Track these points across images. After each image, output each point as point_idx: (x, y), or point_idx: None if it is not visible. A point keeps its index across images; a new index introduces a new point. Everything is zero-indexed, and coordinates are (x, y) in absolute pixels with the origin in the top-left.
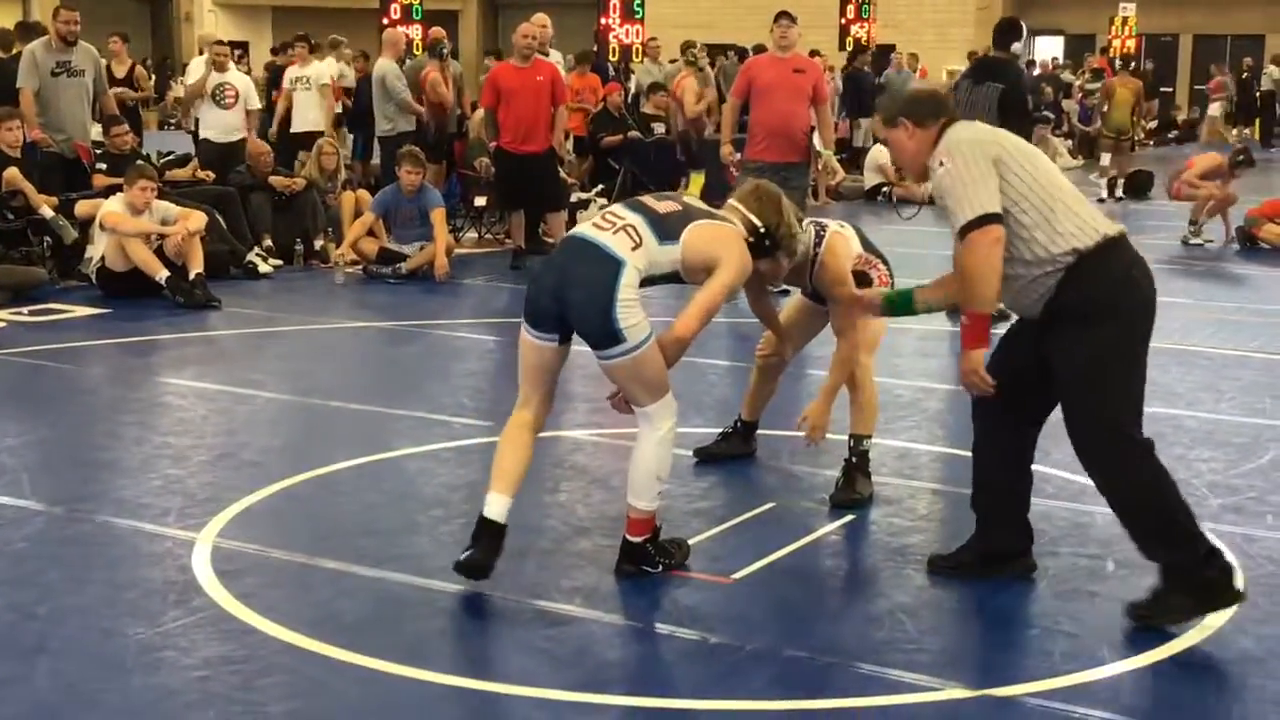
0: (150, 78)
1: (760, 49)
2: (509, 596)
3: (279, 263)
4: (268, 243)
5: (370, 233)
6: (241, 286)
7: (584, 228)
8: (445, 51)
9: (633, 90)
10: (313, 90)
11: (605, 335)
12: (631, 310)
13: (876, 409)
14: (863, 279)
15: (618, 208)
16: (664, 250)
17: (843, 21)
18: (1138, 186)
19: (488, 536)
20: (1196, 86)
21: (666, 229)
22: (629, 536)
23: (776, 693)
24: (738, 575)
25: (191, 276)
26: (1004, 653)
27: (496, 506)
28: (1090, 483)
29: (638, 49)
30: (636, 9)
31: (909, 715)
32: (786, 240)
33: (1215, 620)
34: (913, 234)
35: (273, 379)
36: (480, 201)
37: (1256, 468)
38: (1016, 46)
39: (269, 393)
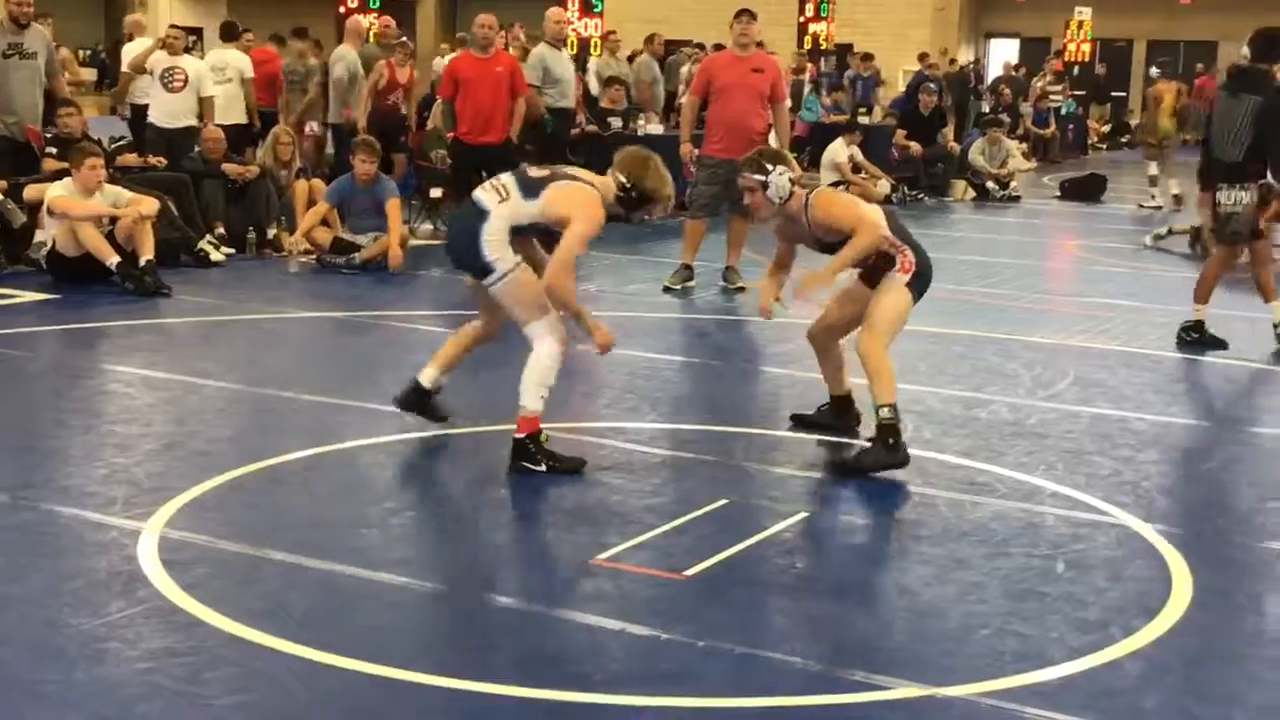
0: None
1: (719, 48)
2: (459, 590)
3: (231, 251)
4: (220, 230)
5: (324, 222)
6: (193, 274)
7: (475, 191)
8: (401, 42)
9: (591, 84)
10: (233, 83)
11: (479, 267)
12: (495, 246)
13: (889, 377)
14: (886, 259)
15: (503, 175)
16: (526, 205)
17: (801, 19)
18: (1090, 190)
19: (414, 393)
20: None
21: (531, 188)
22: (515, 435)
23: (728, 690)
24: (691, 572)
25: (142, 263)
26: (955, 652)
27: (426, 374)
28: (1042, 483)
29: (596, 42)
30: (595, 2)
31: (860, 714)
32: (651, 192)
33: (1165, 622)
34: None
35: (223, 368)
36: (436, 193)
37: (1205, 471)
38: None
39: (219, 382)
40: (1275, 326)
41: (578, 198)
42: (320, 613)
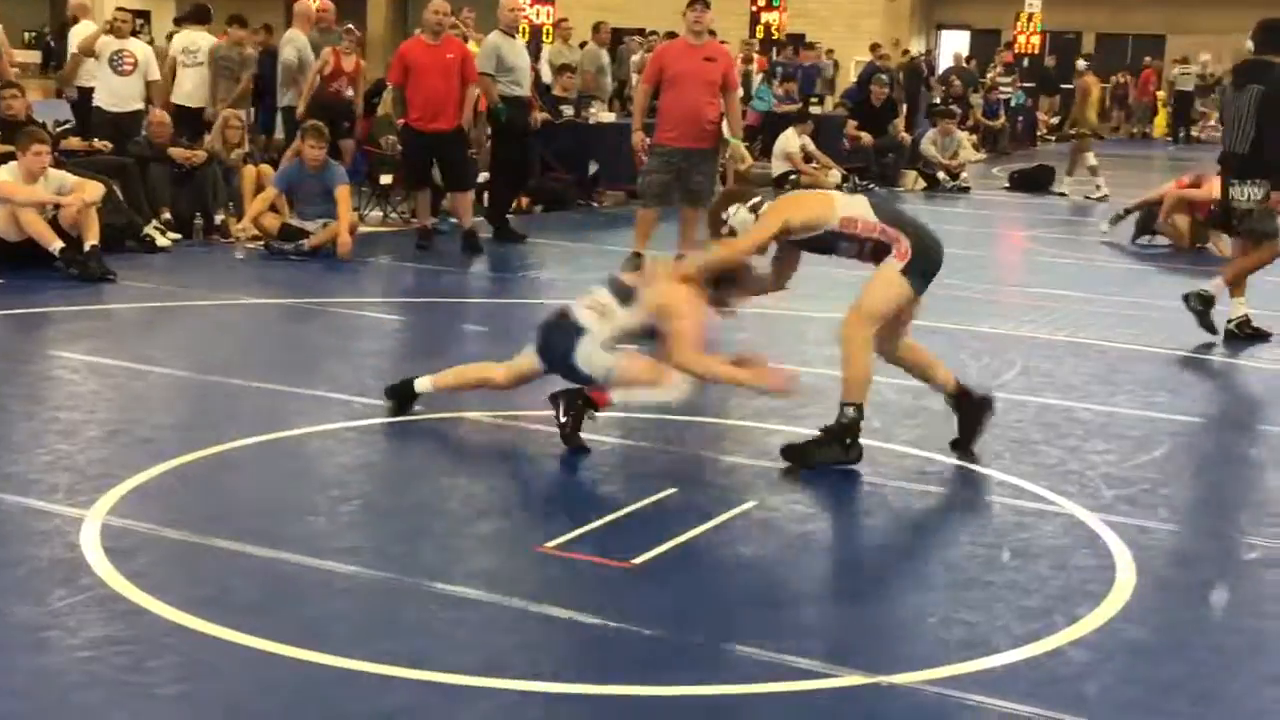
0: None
1: (671, 35)
2: (406, 579)
3: (177, 236)
4: (166, 216)
5: (272, 208)
6: (138, 260)
7: (574, 302)
8: (346, 29)
9: (543, 72)
10: (204, 65)
11: (577, 380)
12: (591, 360)
13: (861, 373)
14: (881, 249)
15: (596, 289)
16: (626, 314)
17: (753, 9)
18: (1039, 181)
19: (404, 390)
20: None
21: (627, 294)
22: (588, 392)
23: (674, 678)
24: (638, 560)
25: (86, 248)
26: (900, 641)
27: (424, 382)
28: (989, 472)
29: (548, 30)
30: None
31: (805, 702)
32: (739, 273)
33: (1108, 610)
34: None
35: (168, 354)
36: (386, 179)
37: (1151, 460)
38: None
39: (164, 368)
40: (1229, 322)
41: (671, 298)
42: (265, 601)
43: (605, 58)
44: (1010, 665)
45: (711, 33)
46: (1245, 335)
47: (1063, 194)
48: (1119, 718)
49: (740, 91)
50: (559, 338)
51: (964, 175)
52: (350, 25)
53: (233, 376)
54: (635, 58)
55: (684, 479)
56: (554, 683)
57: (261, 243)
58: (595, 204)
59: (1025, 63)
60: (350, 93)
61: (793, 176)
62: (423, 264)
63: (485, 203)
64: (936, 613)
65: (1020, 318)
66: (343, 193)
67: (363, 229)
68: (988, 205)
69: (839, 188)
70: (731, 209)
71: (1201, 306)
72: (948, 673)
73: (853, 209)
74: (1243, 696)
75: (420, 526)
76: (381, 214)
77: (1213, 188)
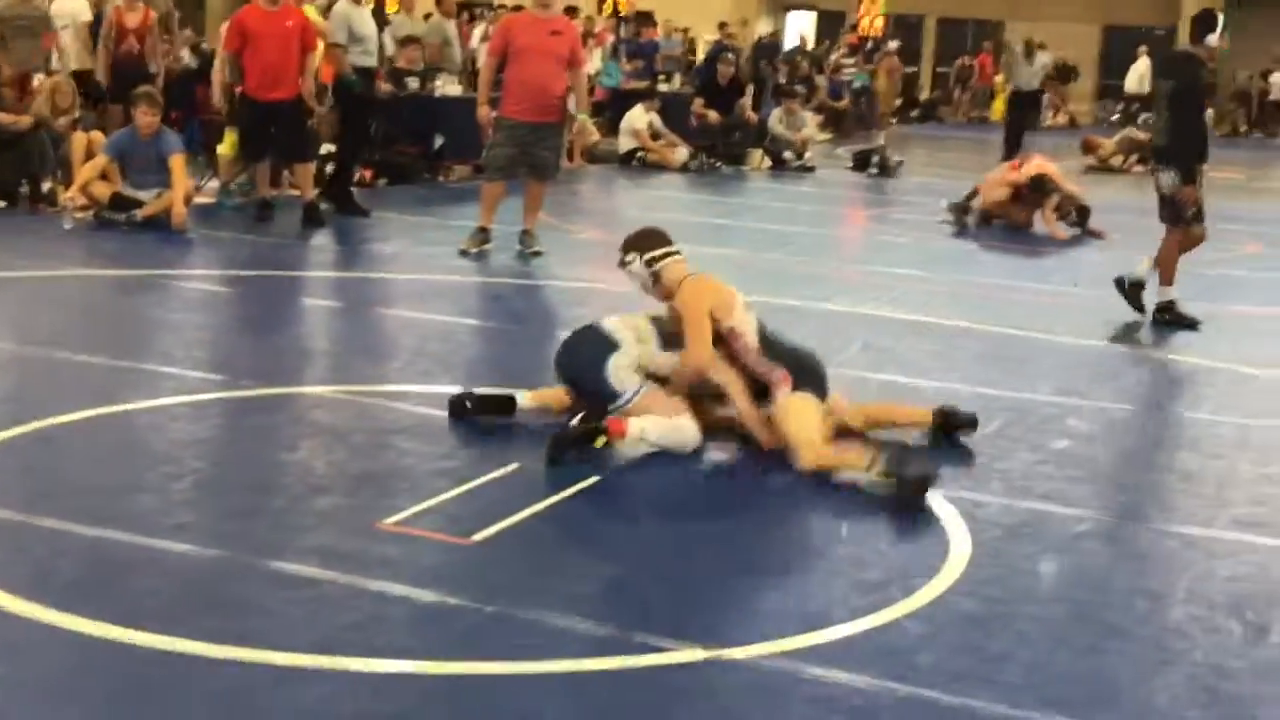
0: None
1: (519, 9)
2: (240, 557)
3: (2, 204)
4: None
5: (104, 177)
6: None
7: (603, 319)
8: None
9: (387, 43)
10: (70, 29)
11: (602, 395)
12: (622, 375)
13: (846, 458)
14: (758, 384)
15: (642, 318)
16: (661, 357)
17: None
18: (884, 161)
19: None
20: (939, 69)
21: (672, 343)
22: (610, 424)
23: (516, 655)
24: (478, 537)
25: None
26: (737, 615)
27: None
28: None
29: (393, 2)
30: None
31: (643, 678)
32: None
33: (943, 583)
34: (667, 200)
35: None
36: (222, 149)
37: (984, 436)
38: (1211, 39)
39: None
40: (1158, 308)
41: (690, 313)
42: (89, 581)
43: (452, 29)
44: (847, 638)
45: (573, 9)
46: (1168, 321)
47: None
48: (952, 687)
49: (588, 66)
50: (589, 348)
51: (809, 155)
52: None
53: (58, 350)
54: (480, 29)
55: (527, 455)
56: (387, 659)
57: (92, 212)
58: (441, 178)
59: (869, 45)
60: (139, 48)
61: (639, 153)
62: (261, 236)
63: (328, 175)
64: (776, 586)
65: (862, 295)
66: (177, 161)
67: (198, 200)
68: (831, 184)
69: (686, 166)
70: (629, 257)
71: (1169, 315)
72: (786, 646)
73: (744, 324)
74: (1070, 664)
75: (255, 503)
76: (218, 185)
77: (1029, 169)
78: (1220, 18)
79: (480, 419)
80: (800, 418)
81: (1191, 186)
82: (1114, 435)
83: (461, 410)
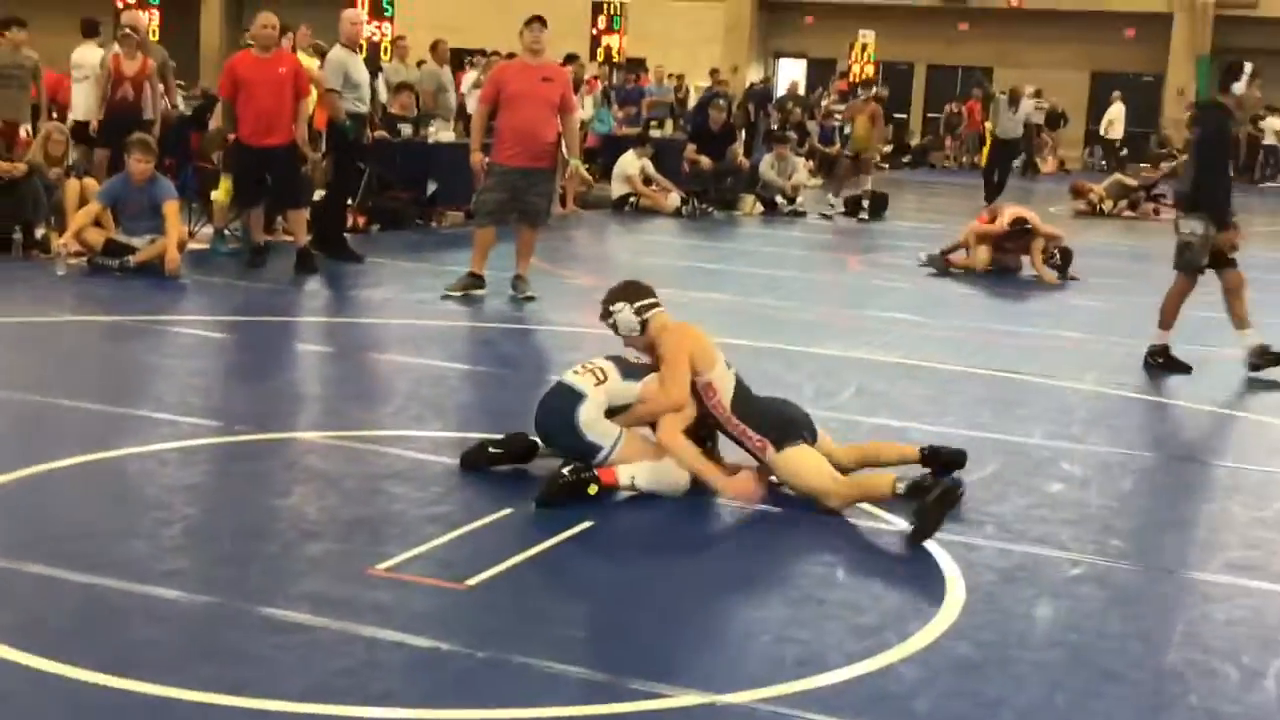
0: None
1: (511, 56)
2: (231, 603)
3: None
4: None
5: (98, 223)
6: None
7: (565, 373)
8: (124, 34)
9: (380, 90)
10: (90, 80)
11: (582, 450)
12: (594, 427)
13: (867, 486)
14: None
15: (598, 359)
16: (626, 385)
17: (594, 32)
18: (872, 207)
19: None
20: (930, 114)
21: (633, 372)
22: (599, 473)
23: (510, 701)
24: (472, 581)
25: None
26: (735, 660)
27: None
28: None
29: (386, 47)
30: (386, 6)
31: None
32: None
33: (938, 627)
34: (660, 245)
35: None
36: (217, 195)
37: (979, 479)
38: (1237, 87)
39: None
40: (1150, 351)
41: (671, 355)
42: (80, 628)
43: (446, 76)
44: (843, 683)
45: (574, 57)
46: (1160, 365)
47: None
48: None
49: (579, 112)
50: (558, 403)
51: (800, 200)
52: (126, 28)
53: (51, 396)
54: (472, 76)
55: (520, 499)
56: (379, 707)
57: (85, 258)
58: (434, 223)
59: (858, 91)
60: (134, 95)
61: (632, 199)
62: (254, 282)
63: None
64: (771, 631)
65: (854, 339)
66: (171, 208)
67: (191, 246)
68: (823, 230)
69: (678, 211)
70: (618, 305)
71: (1162, 360)
72: (782, 691)
73: (722, 380)
74: (1066, 709)
75: (247, 549)
76: (211, 231)
77: (1004, 218)
78: (1247, 67)
79: (495, 468)
80: (805, 467)
81: (1230, 230)
82: (1108, 479)
83: (480, 460)
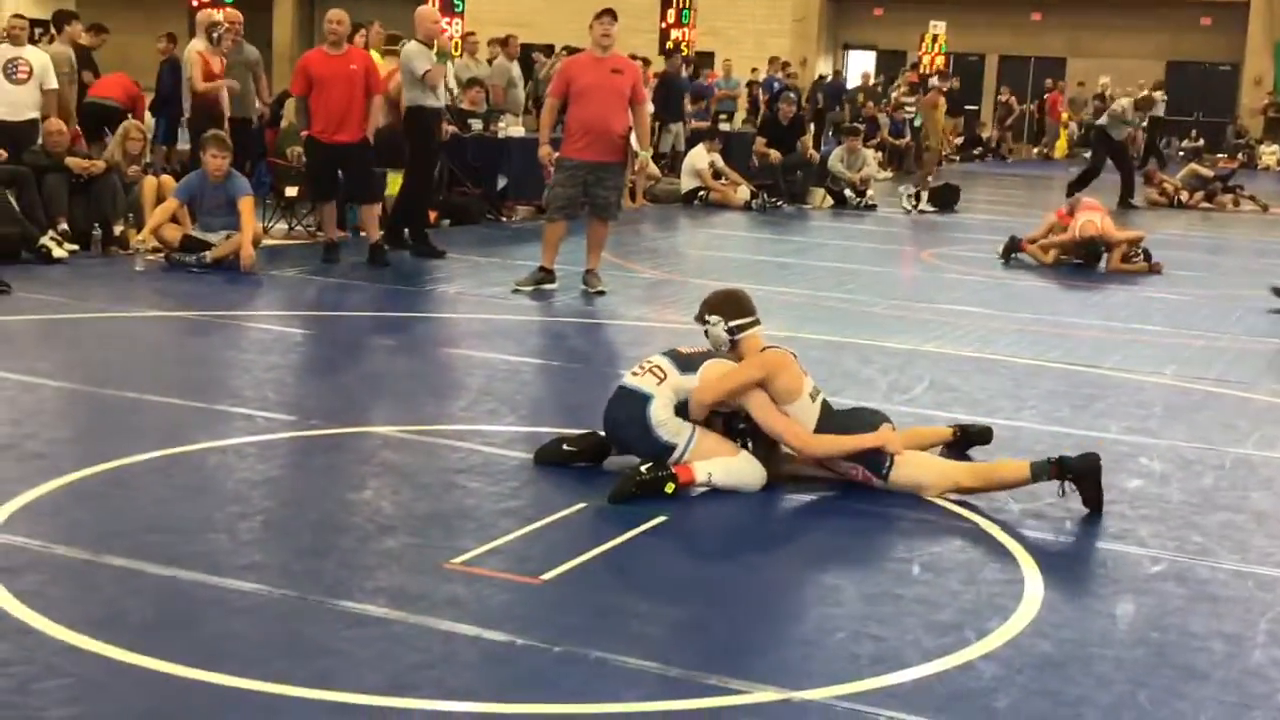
0: None
1: (576, 50)
2: (309, 596)
3: (75, 248)
4: (63, 226)
5: (174, 220)
6: (34, 271)
7: (624, 377)
8: (217, 36)
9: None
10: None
11: (659, 451)
12: (668, 426)
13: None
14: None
15: (653, 356)
16: (685, 379)
17: (663, 25)
18: (945, 199)
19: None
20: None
21: (688, 364)
22: (672, 475)
23: (585, 696)
24: (547, 576)
25: None
26: (812, 656)
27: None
28: (897, 492)
29: (457, 43)
30: (456, 2)
31: (715, 717)
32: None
33: (1017, 624)
34: (730, 239)
35: (63, 368)
36: (291, 192)
37: None
38: None
39: (58, 382)
40: None
41: (734, 372)
42: (160, 621)
43: (516, 71)
44: (921, 680)
45: (643, 60)
46: None
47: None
48: None
49: (650, 105)
50: (629, 407)
51: (870, 193)
52: (223, 24)
53: (130, 390)
54: (544, 70)
55: (594, 494)
56: (458, 701)
57: (162, 255)
58: (504, 218)
59: (930, 83)
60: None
61: (701, 193)
62: (328, 277)
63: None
64: (846, 627)
65: (927, 333)
66: (246, 204)
67: (267, 242)
68: (894, 222)
69: (748, 205)
70: (713, 319)
71: None
72: (859, 688)
73: (805, 413)
74: (1149, 709)
75: (324, 543)
76: (287, 226)
77: (1076, 228)
78: None
79: (573, 462)
80: (921, 474)
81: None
82: (1188, 474)
83: (554, 456)
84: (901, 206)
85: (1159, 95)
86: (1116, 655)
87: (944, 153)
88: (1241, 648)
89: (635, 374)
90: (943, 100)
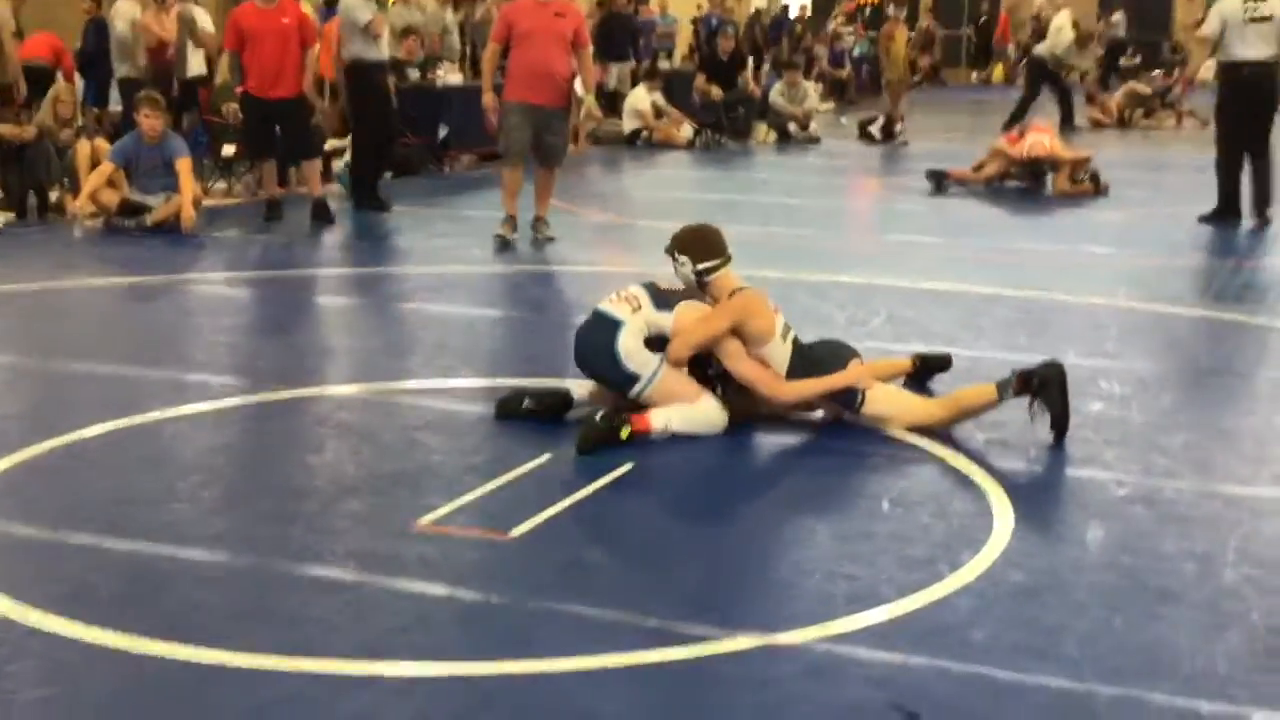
0: None
1: None
2: (276, 563)
3: (10, 216)
4: None
5: (111, 183)
6: None
7: (600, 302)
8: None
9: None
10: None
11: (622, 380)
12: (634, 355)
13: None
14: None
15: (631, 286)
16: (659, 315)
17: None
18: (887, 130)
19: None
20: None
21: (664, 300)
22: (631, 423)
23: (563, 651)
24: (516, 532)
25: None
26: (787, 599)
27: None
28: (865, 426)
29: None
30: None
31: (695, 667)
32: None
33: (989, 555)
34: (675, 178)
35: (6, 341)
36: (229, 150)
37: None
38: None
39: (3, 356)
40: None
41: (704, 323)
42: (128, 595)
43: (450, 18)
44: (898, 617)
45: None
46: None
47: (905, 141)
48: (1009, 663)
49: (591, 48)
50: (597, 335)
51: (813, 126)
52: None
53: (78, 361)
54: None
55: (558, 445)
56: (436, 662)
57: (101, 220)
58: (447, 168)
59: (867, 12)
60: (171, 55)
61: (644, 133)
62: (272, 236)
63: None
64: (820, 568)
65: (881, 266)
66: (184, 165)
67: (207, 202)
68: (838, 155)
69: (691, 143)
70: (681, 259)
71: None
72: (836, 629)
73: (775, 352)
74: (1126, 634)
75: (288, 509)
76: (226, 186)
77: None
78: None
79: (534, 418)
80: (893, 409)
81: None
82: (1147, 396)
83: (515, 411)
84: (866, 135)
85: (1116, 18)
86: (1089, 581)
87: (910, 80)
88: (1212, 567)
89: (611, 300)
90: (901, 29)
